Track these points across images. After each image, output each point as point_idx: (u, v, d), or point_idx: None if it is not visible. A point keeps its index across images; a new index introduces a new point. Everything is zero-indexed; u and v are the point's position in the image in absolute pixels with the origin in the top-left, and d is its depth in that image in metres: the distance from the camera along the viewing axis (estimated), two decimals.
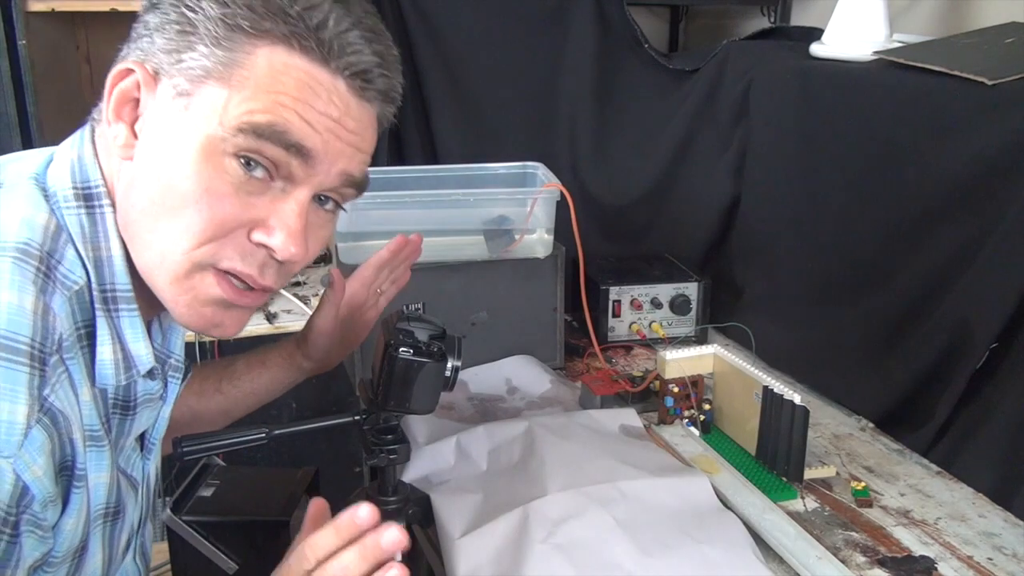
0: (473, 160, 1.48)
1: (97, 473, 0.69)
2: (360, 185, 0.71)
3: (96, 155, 0.69)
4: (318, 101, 0.64)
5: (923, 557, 0.92)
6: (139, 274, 0.68)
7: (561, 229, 1.32)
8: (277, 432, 0.90)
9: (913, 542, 0.95)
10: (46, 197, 0.66)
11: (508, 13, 1.69)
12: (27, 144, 1.75)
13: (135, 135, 0.66)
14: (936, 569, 0.91)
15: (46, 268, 0.63)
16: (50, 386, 0.61)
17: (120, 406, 0.72)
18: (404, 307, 0.97)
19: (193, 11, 0.64)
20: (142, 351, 0.70)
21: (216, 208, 0.64)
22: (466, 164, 1.45)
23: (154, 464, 0.83)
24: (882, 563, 0.91)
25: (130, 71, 0.66)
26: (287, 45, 0.64)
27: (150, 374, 0.73)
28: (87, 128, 0.71)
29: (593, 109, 1.71)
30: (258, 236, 0.66)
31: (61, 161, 0.69)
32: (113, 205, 0.68)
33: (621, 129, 1.72)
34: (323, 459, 1.68)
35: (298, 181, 0.66)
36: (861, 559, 0.92)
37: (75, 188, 0.67)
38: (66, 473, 0.63)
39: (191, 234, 0.64)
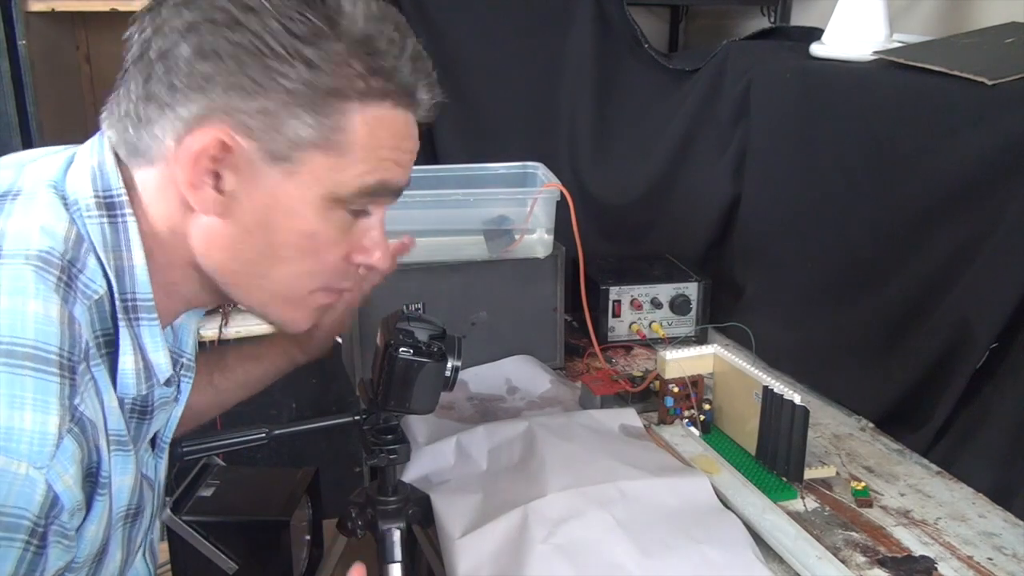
0: (473, 160, 1.48)
1: (122, 476, 0.69)
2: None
3: (117, 162, 0.68)
4: (407, 142, 0.70)
5: (923, 557, 0.92)
6: (158, 287, 0.69)
7: (561, 229, 1.32)
8: (277, 432, 0.91)
9: (913, 542, 0.95)
10: (66, 205, 0.66)
11: (508, 13, 1.68)
12: (27, 144, 1.74)
13: (220, 192, 0.66)
14: (936, 569, 0.91)
15: (67, 277, 0.63)
16: (79, 395, 0.61)
17: (138, 411, 0.73)
18: (404, 307, 0.97)
19: (283, 76, 0.63)
20: (162, 360, 0.71)
21: (330, 254, 0.71)
22: (466, 164, 1.45)
23: (165, 460, 0.83)
24: (882, 563, 0.91)
25: (218, 140, 0.64)
26: (379, 102, 0.67)
27: (167, 381, 0.73)
28: (103, 135, 0.70)
29: (593, 109, 1.71)
30: (359, 259, 0.74)
31: (81, 168, 0.68)
32: (136, 214, 0.67)
33: (621, 129, 1.72)
34: (323, 459, 1.68)
35: (382, 204, 0.74)
36: (861, 559, 0.92)
37: (96, 196, 0.67)
38: (90, 480, 0.63)
39: (310, 277, 0.71)
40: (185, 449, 0.86)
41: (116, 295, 0.66)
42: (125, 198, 0.67)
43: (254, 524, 1.19)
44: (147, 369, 0.70)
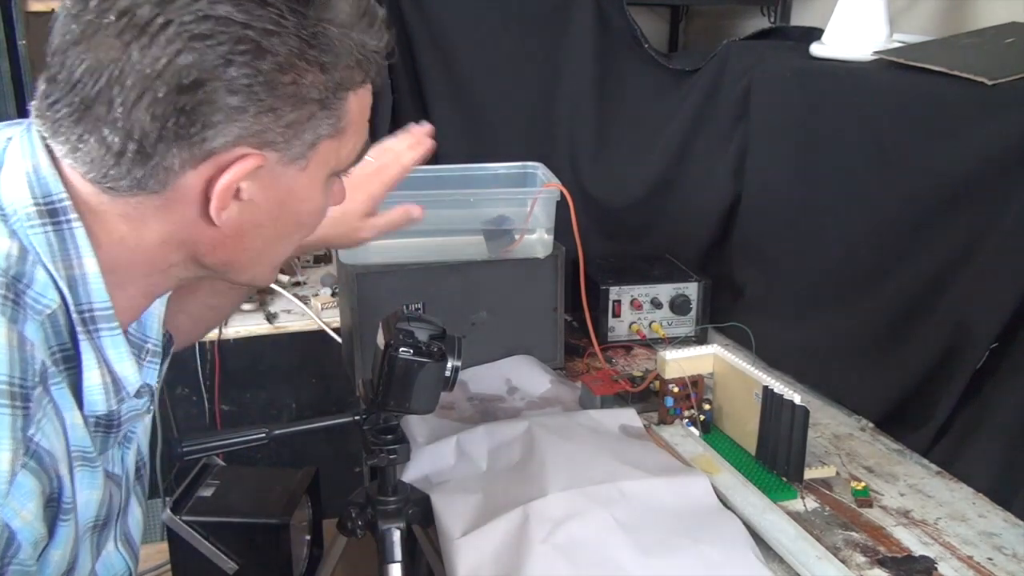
0: (473, 160, 1.48)
1: (89, 491, 0.67)
2: None
3: (54, 164, 0.62)
4: (371, 103, 0.72)
5: (923, 557, 0.92)
6: (118, 286, 0.65)
7: (561, 229, 1.31)
8: (277, 432, 0.90)
9: (913, 542, 0.95)
10: (3, 217, 0.61)
11: (508, 13, 1.68)
12: None
13: (239, 201, 0.64)
14: (936, 569, 0.91)
15: (14, 295, 0.59)
16: (35, 424, 0.58)
17: (103, 426, 0.69)
18: (404, 307, 0.97)
19: (297, 86, 0.61)
20: (128, 371, 0.67)
21: (322, 218, 0.74)
22: (466, 164, 1.45)
23: (133, 452, 0.80)
24: (882, 563, 0.91)
25: (255, 166, 0.62)
26: (362, 84, 0.68)
27: (138, 393, 0.70)
28: (34, 134, 0.63)
29: (593, 109, 1.71)
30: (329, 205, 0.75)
31: (13, 174, 0.62)
32: (84, 218, 0.62)
33: (621, 129, 1.72)
34: (323, 459, 1.68)
35: None
36: (861, 559, 0.92)
37: (36, 204, 0.61)
38: (52, 506, 0.61)
39: (296, 244, 0.74)
40: (185, 449, 0.86)
41: (72, 307, 0.62)
42: (68, 203, 0.62)
43: (254, 524, 1.20)
44: (115, 383, 0.67)
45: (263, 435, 0.90)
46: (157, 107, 0.58)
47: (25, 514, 0.57)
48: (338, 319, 1.57)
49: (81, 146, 0.60)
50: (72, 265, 0.62)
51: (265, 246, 0.70)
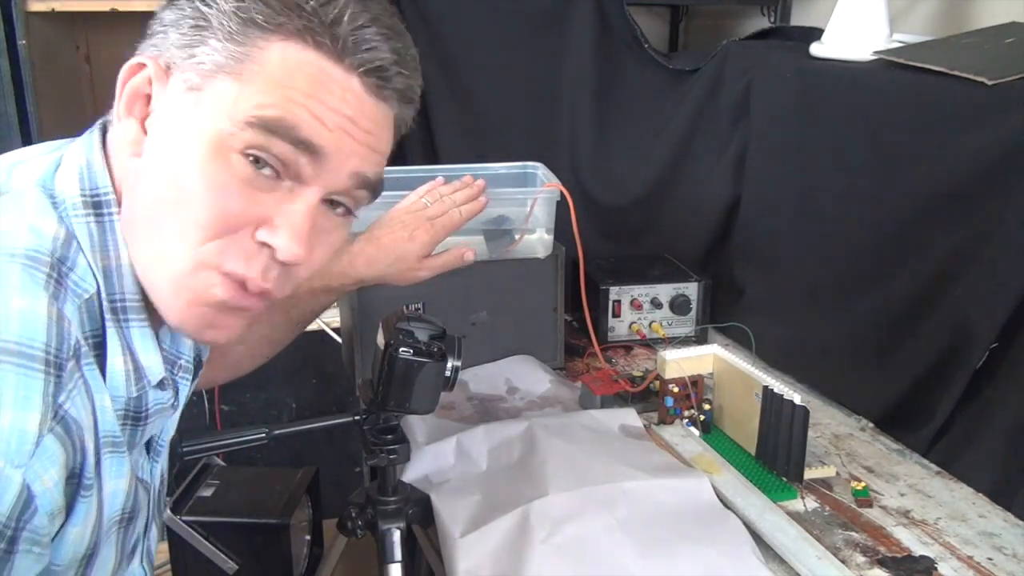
0: (473, 160, 1.48)
1: (117, 479, 0.68)
2: (374, 187, 0.70)
3: (107, 160, 0.67)
4: (330, 97, 0.63)
5: (923, 557, 0.92)
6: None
7: (561, 229, 1.31)
8: (277, 432, 0.91)
9: (913, 542, 0.95)
10: (54, 204, 0.65)
11: (508, 13, 1.68)
12: (27, 144, 1.74)
13: (144, 131, 0.65)
14: (936, 569, 0.91)
15: (57, 275, 0.62)
16: (66, 392, 0.59)
17: (132, 417, 0.71)
18: (404, 307, 0.97)
19: (207, 5, 0.63)
20: (152, 362, 0.69)
21: (222, 203, 0.62)
22: (466, 164, 1.45)
23: (160, 467, 0.83)
24: (882, 563, 0.91)
25: (142, 66, 0.65)
26: (301, 40, 0.62)
27: (160, 384, 0.71)
28: (96, 131, 0.69)
29: (593, 109, 1.71)
30: (262, 235, 0.64)
31: (69, 166, 0.67)
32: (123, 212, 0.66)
33: (621, 129, 1.72)
34: (323, 459, 1.68)
35: (307, 181, 0.64)
36: (861, 559, 0.92)
37: (84, 195, 0.65)
38: (73, 481, 0.61)
39: (197, 230, 0.62)
40: (185, 449, 0.86)
41: (104, 295, 0.65)
42: (112, 197, 0.66)
43: (254, 524, 1.20)
44: (137, 371, 0.68)
45: (263, 435, 0.90)
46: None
47: (46, 479, 0.57)
48: (338, 319, 1.57)
49: None
50: (109, 256, 0.65)
51: (154, 206, 0.64)
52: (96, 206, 0.65)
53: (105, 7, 1.74)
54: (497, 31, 1.68)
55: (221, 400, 1.85)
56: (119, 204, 0.66)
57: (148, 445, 0.78)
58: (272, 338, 1.05)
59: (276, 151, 0.62)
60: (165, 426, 0.79)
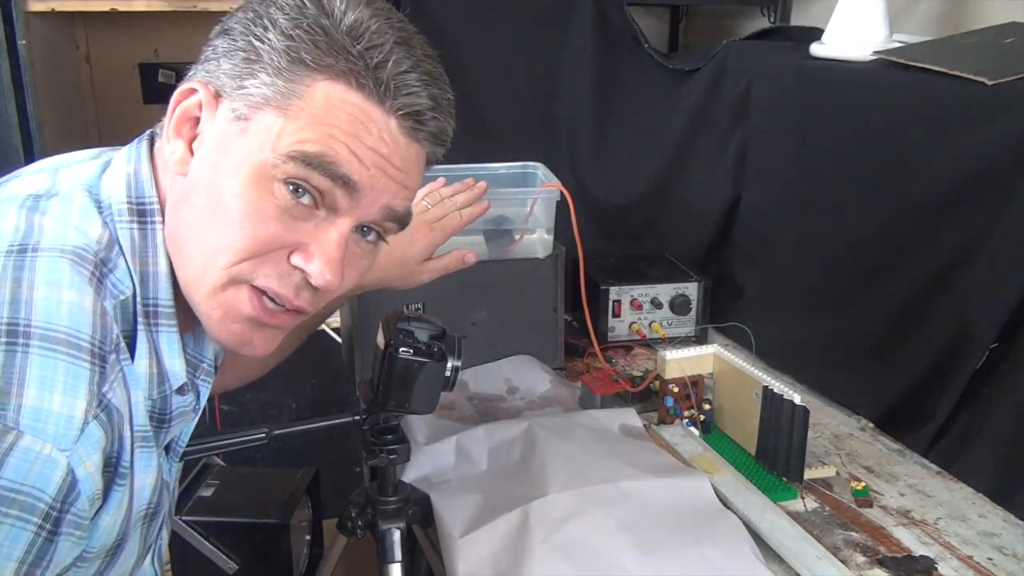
0: (473, 160, 1.48)
1: (146, 473, 0.70)
2: (403, 220, 0.74)
3: (154, 171, 0.71)
4: (368, 137, 0.66)
5: (923, 557, 0.92)
6: (180, 290, 0.70)
7: (561, 229, 1.31)
8: (277, 432, 0.90)
9: (913, 542, 0.95)
10: (99, 208, 0.68)
11: (508, 13, 1.68)
12: (27, 144, 1.74)
13: (191, 152, 0.69)
14: (936, 569, 0.91)
15: (100, 274, 0.65)
16: (108, 383, 0.62)
17: (156, 419, 0.73)
18: (404, 307, 0.97)
19: (260, 41, 0.66)
20: (177, 367, 0.72)
21: (260, 227, 0.66)
22: (466, 164, 1.45)
23: (177, 469, 0.84)
24: (882, 563, 0.91)
25: (193, 91, 0.68)
26: (345, 81, 0.66)
27: (180, 389, 0.74)
28: (144, 141, 0.72)
29: (593, 109, 1.71)
30: (296, 260, 0.68)
31: (117, 173, 0.70)
32: (164, 221, 0.69)
33: (621, 129, 1.72)
34: (323, 459, 1.68)
35: (342, 212, 0.68)
36: (861, 559, 0.92)
37: (130, 203, 0.69)
38: (109, 469, 0.64)
39: (232, 249, 0.66)
40: (185, 449, 0.86)
41: (139, 299, 0.68)
42: (156, 206, 0.69)
43: (254, 525, 1.19)
44: (161, 374, 0.71)
45: (263, 435, 0.90)
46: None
47: (89, 464, 0.60)
48: (338, 319, 1.57)
49: None
50: (148, 262, 0.69)
51: (195, 223, 0.67)
52: (140, 214, 0.69)
53: (105, 7, 1.74)
54: (497, 31, 1.68)
55: (221, 400, 1.85)
56: (163, 215, 0.70)
57: (168, 447, 0.79)
58: (280, 347, 1.06)
59: (315, 183, 0.66)
60: (185, 429, 0.81)
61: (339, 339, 1.56)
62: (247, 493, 1.25)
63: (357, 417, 0.94)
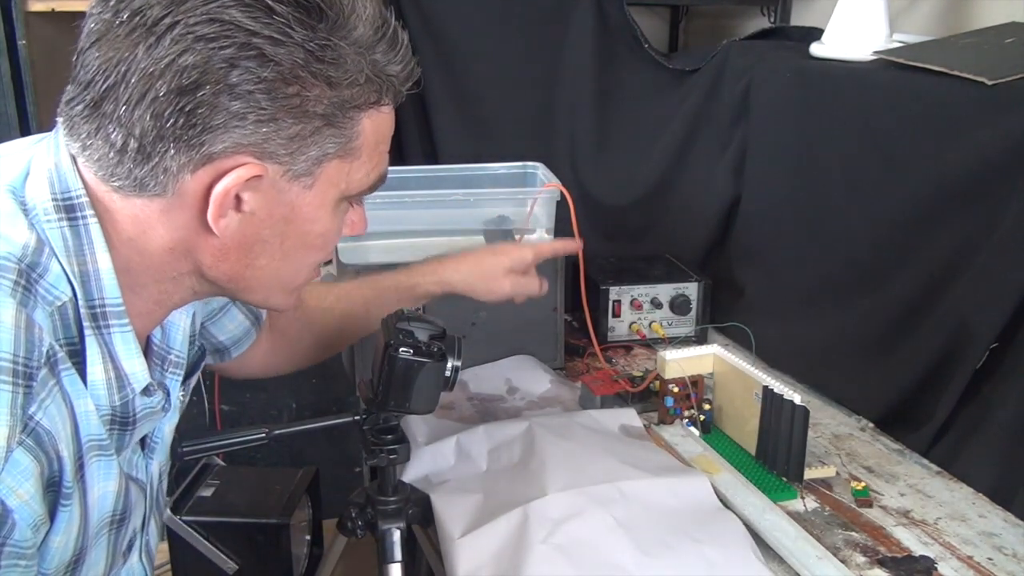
0: (473, 160, 1.48)
1: (105, 482, 0.67)
2: None
3: (74, 163, 0.64)
4: (392, 131, 0.72)
5: (923, 557, 0.92)
6: (130, 288, 0.66)
7: (561, 229, 1.32)
8: (277, 432, 0.90)
9: (913, 542, 0.95)
10: (25, 211, 0.63)
11: (508, 13, 1.68)
12: None
13: (239, 212, 0.65)
14: (936, 569, 0.91)
15: (25, 281, 0.60)
16: (37, 403, 0.58)
17: (119, 423, 0.70)
18: (404, 307, 0.97)
19: (310, 102, 0.62)
20: (137, 368, 0.68)
21: (333, 243, 0.73)
22: (466, 164, 1.45)
23: (157, 462, 0.82)
24: (882, 563, 0.91)
25: (253, 176, 0.63)
26: (380, 106, 0.68)
27: (146, 391, 0.70)
28: (59, 134, 0.65)
29: (593, 109, 1.71)
30: (346, 232, 0.75)
31: (37, 172, 0.65)
32: (100, 216, 0.64)
33: (621, 129, 1.72)
34: (323, 459, 1.68)
35: None
36: (861, 559, 0.92)
37: (55, 199, 0.63)
38: (52, 491, 0.61)
39: (312, 268, 0.74)
40: (185, 449, 0.86)
41: (81, 302, 0.63)
42: (85, 199, 0.63)
43: (254, 524, 1.19)
44: (120, 379, 0.67)
45: (263, 435, 0.90)
46: (158, 106, 0.59)
47: (21, 493, 0.57)
48: None
49: (90, 143, 0.62)
50: (85, 260, 0.64)
51: (270, 265, 0.69)
52: (69, 210, 0.63)
53: None
54: (497, 31, 1.68)
55: (221, 400, 1.84)
56: (95, 209, 0.64)
57: (143, 443, 0.78)
58: (347, 330, 1.09)
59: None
60: (159, 424, 0.78)
61: None
62: (247, 493, 1.25)
63: (357, 417, 0.94)
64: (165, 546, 1.22)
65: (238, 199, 0.64)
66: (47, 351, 0.60)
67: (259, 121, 0.61)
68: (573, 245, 1.20)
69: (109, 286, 0.64)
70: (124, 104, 0.59)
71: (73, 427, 0.62)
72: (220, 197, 0.62)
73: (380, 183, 0.73)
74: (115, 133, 0.60)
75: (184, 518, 1.17)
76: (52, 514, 0.61)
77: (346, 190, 0.69)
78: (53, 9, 1.72)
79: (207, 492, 1.24)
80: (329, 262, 1.96)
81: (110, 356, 0.66)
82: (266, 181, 0.64)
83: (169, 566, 1.22)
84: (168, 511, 1.18)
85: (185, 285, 0.70)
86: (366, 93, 0.65)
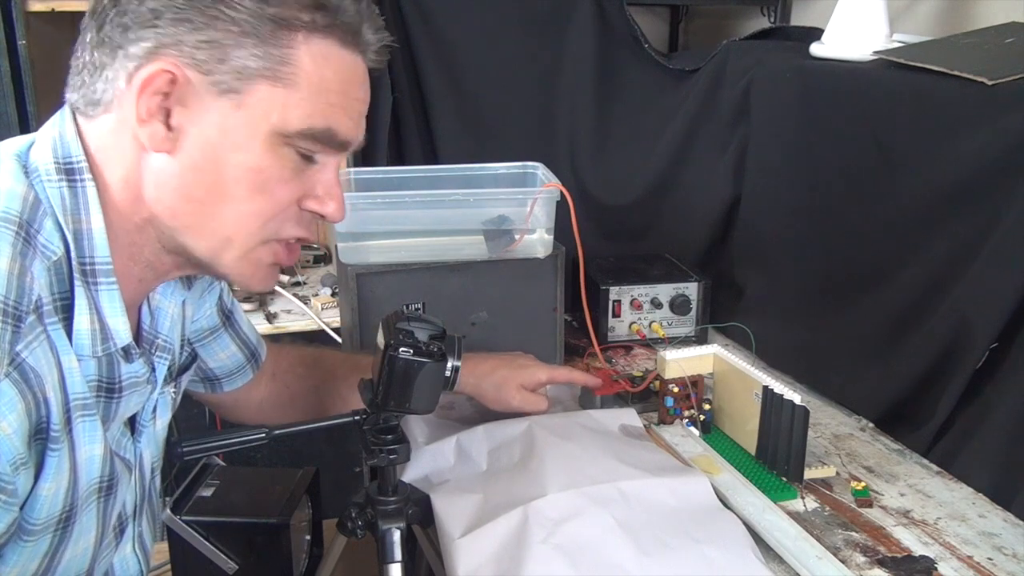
0: (473, 160, 1.48)
1: (91, 444, 0.69)
2: None
3: (79, 133, 0.70)
4: (356, 90, 0.71)
5: (923, 557, 0.92)
6: (121, 251, 0.70)
7: (561, 229, 1.31)
8: (277, 432, 0.90)
9: (913, 542, 0.95)
10: (27, 172, 0.68)
11: (508, 13, 1.68)
12: None
13: (169, 128, 0.68)
14: (936, 569, 0.91)
15: (26, 234, 0.65)
16: (24, 342, 0.61)
17: (105, 388, 0.72)
18: (404, 307, 0.97)
19: (232, 8, 0.65)
20: (120, 325, 0.71)
21: (279, 192, 0.71)
22: (466, 164, 1.45)
23: (149, 449, 0.82)
24: (882, 563, 0.91)
25: (165, 72, 0.66)
26: (323, 36, 0.67)
27: (127, 353, 0.73)
28: (66, 109, 0.71)
29: (593, 109, 1.71)
30: (310, 205, 0.74)
31: (43, 140, 0.70)
32: (96, 180, 0.69)
33: (621, 129, 1.72)
34: (323, 459, 1.69)
35: (333, 155, 0.74)
36: (861, 559, 0.92)
37: (56, 163, 0.68)
38: (40, 437, 0.63)
39: (259, 216, 0.71)
40: (185, 449, 0.86)
41: (74, 258, 0.68)
42: (85, 164, 0.69)
43: (254, 525, 1.19)
44: (103, 331, 0.70)
45: (263, 435, 0.90)
46: (98, 16, 0.67)
47: (4, 426, 0.59)
48: (338, 319, 1.57)
49: (75, 76, 0.70)
50: (80, 219, 0.68)
51: (208, 199, 0.69)
52: (68, 173, 0.69)
53: None
54: (497, 31, 1.69)
55: None
56: (92, 174, 0.69)
57: (132, 426, 0.78)
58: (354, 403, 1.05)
59: (320, 149, 0.72)
60: (147, 405, 0.80)
61: (339, 339, 1.56)
62: (247, 493, 1.25)
63: (357, 417, 0.94)
64: (165, 546, 1.22)
65: (167, 113, 0.67)
66: (36, 300, 0.63)
67: (175, 20, 0.65)
68: (593, 381, 1.20)
69: (100, 245, 0.69)
70: (86, 27, 0.68)
71: (59, 377, 0.65)
72: (139, 91, 0.66)
73: (333, 142, 0.72)
74: (81, 55, 0.69)
75: (184, 518, 1.17)
76: (41, 460, 0.64)
77: (281, 125, 0.68)
78: (53, 9, 1.72)
79: (207, 492, 1.24)
80: (324, 256, 1.97)
81: (96, 309, 0.69)
82: (190, 92, 0.66)
83: (169, 566, 1.22)
84: (168, 511, 1.18)
85: (149, 236, 0.72)
86: (298, 12, 0.66)
